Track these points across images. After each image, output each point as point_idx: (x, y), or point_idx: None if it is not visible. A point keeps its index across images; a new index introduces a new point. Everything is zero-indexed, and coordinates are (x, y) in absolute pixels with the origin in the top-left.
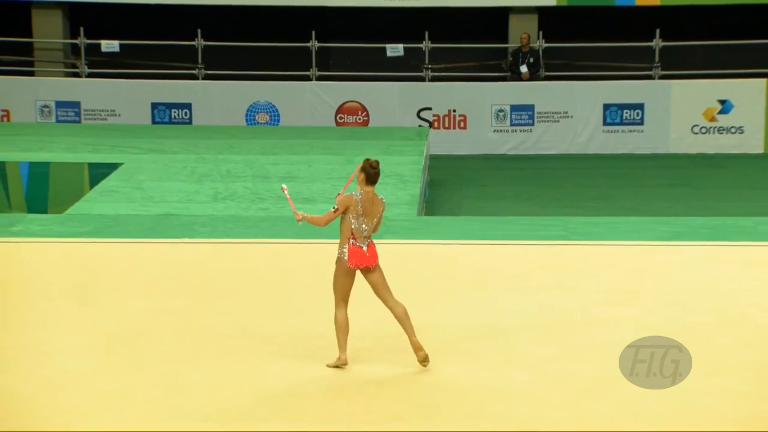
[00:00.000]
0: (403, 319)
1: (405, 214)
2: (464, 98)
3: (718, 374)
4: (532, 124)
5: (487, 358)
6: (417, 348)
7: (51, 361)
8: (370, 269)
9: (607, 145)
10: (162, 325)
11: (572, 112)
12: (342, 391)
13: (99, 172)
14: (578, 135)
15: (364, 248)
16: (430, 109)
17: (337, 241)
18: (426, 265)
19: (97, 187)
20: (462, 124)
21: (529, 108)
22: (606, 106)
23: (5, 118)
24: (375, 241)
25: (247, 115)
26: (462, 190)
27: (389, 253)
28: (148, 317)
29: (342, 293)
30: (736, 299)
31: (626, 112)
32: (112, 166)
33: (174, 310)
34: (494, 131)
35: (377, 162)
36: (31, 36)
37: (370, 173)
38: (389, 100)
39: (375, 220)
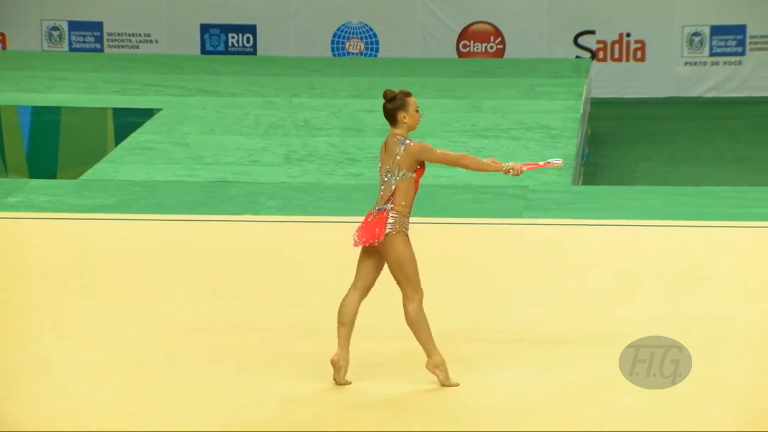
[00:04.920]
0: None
1: (555, 182)
2: (642, 16)
3: None
4: (743, 53)
5: (684, 390)
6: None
7: (64, 386)
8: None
9: None
10: (212, 337)
11: None
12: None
13: (128, 121)
14: None
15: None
16: (592, 32)
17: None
18: (584, 254)
19: (124, 143)
20: (639, 55)
21: (739, 30)
22: None
23: (0, 45)
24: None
25: (333, 43)
26: (637, 149)
27: (532, 237)
28: (193, 325)
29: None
30: None
31: None
32: (146, 113)
33: (230, 314)
34: (686, 64)
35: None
36: None
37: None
38: (533, 19)
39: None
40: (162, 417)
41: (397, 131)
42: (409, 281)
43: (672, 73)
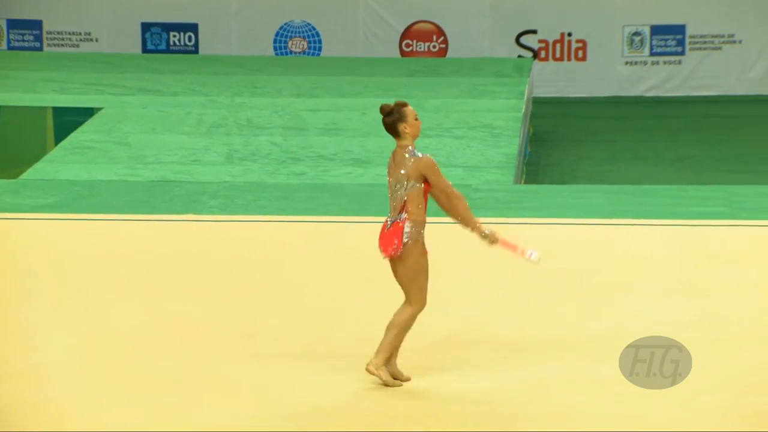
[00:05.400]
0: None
1: (497, 181)
2: (583, 16)
3: None
4: (682, 53)
5: (627, 387)
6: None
7: (11, 387)
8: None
9: None
10: (157, 337)
11: (741, 35)
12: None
13: (68, 120)
14: (749, 68)
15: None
16: (534, 32)
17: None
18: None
19: (65, 142)
20: (580, 54)
21: (678, 29)
22: None
23: None
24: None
25: (275, 42)
26: (578, 148)
27: (474, 236)
28: (137, 325)
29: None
30: None
31: None
32: (87, 112)
33: (173, 315)
34: (627, 64)
35: (383, 107)
36: None
37: None
38: (476, 19)
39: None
40: (105, 417)
41: (404, 142)
42: (417, 291)
43: (613, 73)
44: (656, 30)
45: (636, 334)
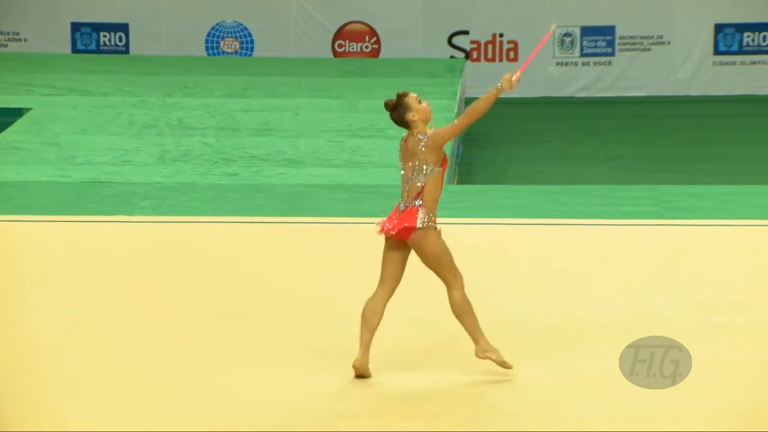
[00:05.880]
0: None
1: None
2: (515, 17)
3: None
4: (612, 54)
5: (555, 387)
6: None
7: None
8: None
9: (720, 84)
10: (89, 341)
11: (669, 36)
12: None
13: None
14: (678, 69)
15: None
16: (466, 33)
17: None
18: (458, 253)
19: None
20: (512, 55)
21: (608, 30)
22: (718, 28)
23: None
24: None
25: (207, 42)
26: (510, 149)
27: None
28: (69, 330)
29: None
30: None
31: (748, 36)
32: (15, 113)
33: (105, 319)
34: (557, 64)
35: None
36: None
37: None
38: (408, 20)
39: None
40: (33, 416)
41: (416, 130)
42: (449, 270)
43: (544, 74)
44: (586, 31)
45: (567, 334)
